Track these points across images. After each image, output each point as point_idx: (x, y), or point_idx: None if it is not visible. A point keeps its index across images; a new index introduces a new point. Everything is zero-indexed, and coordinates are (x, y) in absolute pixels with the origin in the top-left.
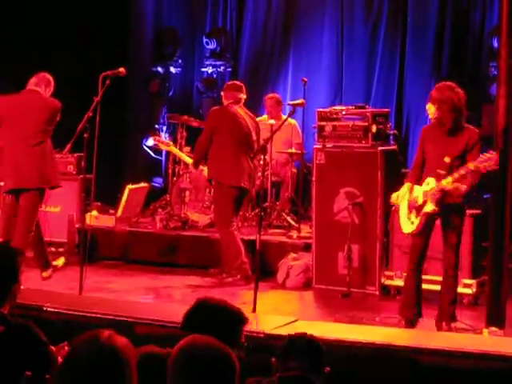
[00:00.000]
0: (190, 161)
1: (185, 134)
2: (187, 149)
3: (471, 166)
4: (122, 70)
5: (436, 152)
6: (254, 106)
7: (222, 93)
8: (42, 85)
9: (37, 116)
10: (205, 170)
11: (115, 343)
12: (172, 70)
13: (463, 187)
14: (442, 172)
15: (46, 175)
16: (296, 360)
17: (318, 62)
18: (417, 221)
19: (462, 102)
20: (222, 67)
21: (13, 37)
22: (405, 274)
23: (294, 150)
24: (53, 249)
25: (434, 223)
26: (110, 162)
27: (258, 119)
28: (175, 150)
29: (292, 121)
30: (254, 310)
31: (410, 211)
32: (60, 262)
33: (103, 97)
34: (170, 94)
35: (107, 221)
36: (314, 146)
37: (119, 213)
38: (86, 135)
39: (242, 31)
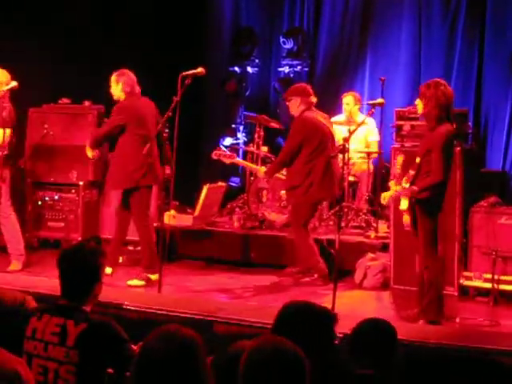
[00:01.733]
0: (261, 169)
1: (262, 133)
2: (264, 148)
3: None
4: (201, 69)
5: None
6: (331, 105)
7: (296, 98)
8: None
9: (154, 119)
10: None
11: (184, 335)
12: (249, 69)
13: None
14: (412, 172)
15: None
16: (366, 354)
17: (395, 61)
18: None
19: (448, 100)
20: (298, 67)
21: (96, 37)
22: (484, 275)
23: (371, 150)
24: (131, 247)
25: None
26: (187, 161)
27: (334, 118)
28: (241, 162)
29: (370, 120)
30: (332, 310)
31: None
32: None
33: (182, 97)
34: (247, 93)
35: (185, 220)
36: (392, 146)
37: (197, 212)
38: (165, 135)
39: (319, 30)
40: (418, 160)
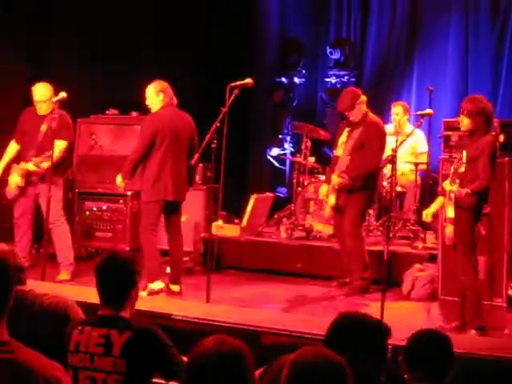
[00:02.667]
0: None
1: (309, 143)
2: (312, 159)
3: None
4: (249, 80)
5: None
6: (378, 115)
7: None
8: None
9: (189, 134)
10: None
11: (233, 345)
12: (296, 80)
13: (464, 190)
14: (457, 181)
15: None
16: (421, 367)
17: (442, 72)
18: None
19: (492, 112)
20: (345, 77)
21: (147, 49)
22: None
23: (419, 160)
24: None
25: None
26: (235, 171)
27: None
28: None
29: (417, 130)
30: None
31: None
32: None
33: (230, 107)
34: (294, 104)
35: (232, 230)
36: (440, 156)
37: (244, 222)
38: (213, 145)
39: (365, 41)
40: (462, 169)
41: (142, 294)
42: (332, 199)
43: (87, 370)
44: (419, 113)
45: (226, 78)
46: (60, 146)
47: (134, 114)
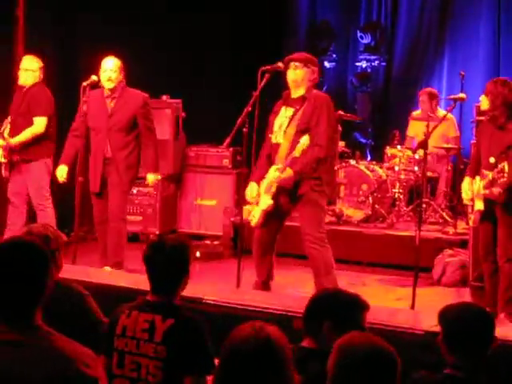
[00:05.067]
0: None
1: (340, 128)
2: (342, 143)
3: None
4: (280, 64)
5: (485, 149)
6: (408, 100)
7: None
8: None
9: None
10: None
11: (268, 333)
12: (326, 64)
13: (497, 191)
14: (487, 172)
15: None
16: (459, 353)
17: (474, 54)
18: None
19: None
20: (376, 61)
21: (173, 36)
22: None
23: (450, 145)
24: (208, 241)
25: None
26: None
27: (413, 114)
28: None
29: (449, 115)
30: (412, 307)
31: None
32: None
33: (261, 91)
34: (324, 88)
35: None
36: (472, 141)
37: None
38: (245, 130)
39: (396, 25)
40: (492, 160)
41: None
42: (265, 203)
43: (133, 354)
44: (452, 97)
45: (256, 63)
46: (39, 122)
47: (165, 97)
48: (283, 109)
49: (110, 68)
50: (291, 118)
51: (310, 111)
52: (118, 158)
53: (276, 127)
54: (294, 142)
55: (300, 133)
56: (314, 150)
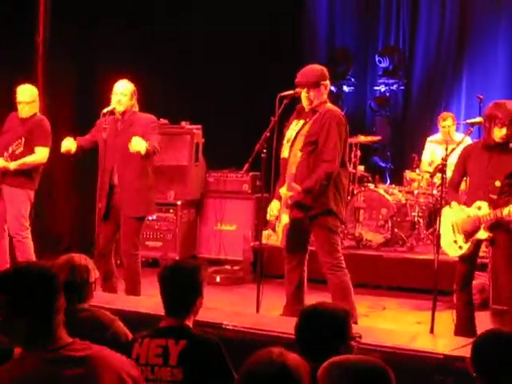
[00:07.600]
0: None
1: (359, 152)
2: (361, 168)
3: None
4: (299, 90)
5: (482, 174)
6: (427, 124)
7: None
8: None
9: None
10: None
11: (287, 360)
12: (345, 88)
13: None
14: (494, 197)
15: None
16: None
17: (492, 79)
18: (466, 246)
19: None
20: (394, 85)
21: (198, 59)
22: None
23: None
24: (228, 267)
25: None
26: None
27: (431, 137)
28: None
29: (467, 139)
30: (431, 331)
31: (456, 233)
32: None
33: (279, 117)
34: (343, 112)
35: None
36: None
37: None
38: (263, 155)
39: (414, 49)
40: (498, 183)
41: None
42: (285, 218)
43: (149, 381)
44: (469, 121)
45: (275, 88)
46: (42, 152)
47: (184, 123)
48: (295, 122)
49: (120, 91)
50: (298, 132)
51: (319, 124)
52: (125, 183)
53: (285, 140)
54: (300, 157)
55: (307, 145)
56: (322, 166)
